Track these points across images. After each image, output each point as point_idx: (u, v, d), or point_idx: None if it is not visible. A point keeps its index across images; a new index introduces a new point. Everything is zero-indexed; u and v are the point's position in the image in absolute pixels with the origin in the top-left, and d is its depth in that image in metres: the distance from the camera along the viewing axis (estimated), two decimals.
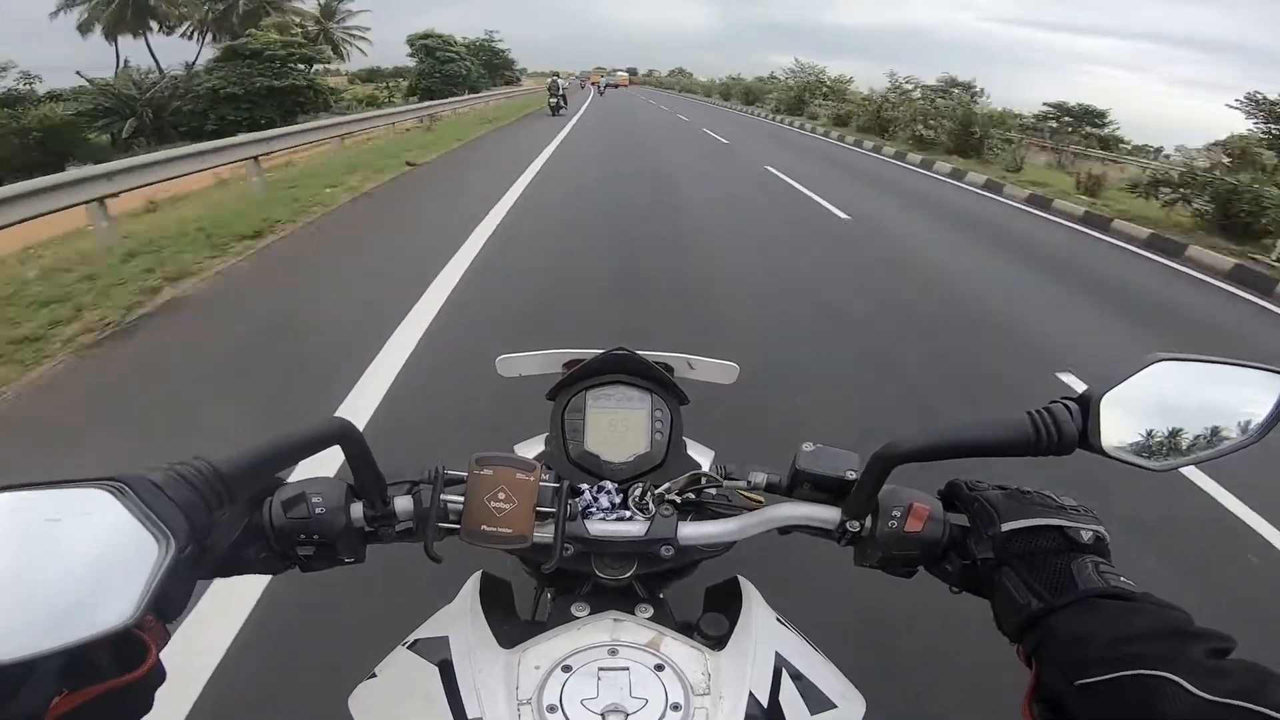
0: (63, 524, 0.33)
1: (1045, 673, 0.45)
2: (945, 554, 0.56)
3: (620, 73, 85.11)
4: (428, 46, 34.40)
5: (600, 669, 0.49)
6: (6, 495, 0.33)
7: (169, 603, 0.43)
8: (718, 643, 0.55)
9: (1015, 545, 0.50)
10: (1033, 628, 0.46)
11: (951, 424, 0.51)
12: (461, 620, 0.57)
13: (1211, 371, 0.49)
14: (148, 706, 0.42)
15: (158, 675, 0.42)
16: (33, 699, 0.35)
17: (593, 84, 41.47)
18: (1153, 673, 0.38)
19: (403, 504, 0.56)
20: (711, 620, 0.57)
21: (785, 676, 0.51)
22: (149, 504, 0.35)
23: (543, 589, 0.80)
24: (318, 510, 0.52)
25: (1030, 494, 0.54)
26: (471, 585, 0.63)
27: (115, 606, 0.33)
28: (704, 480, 0.61)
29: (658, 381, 0.70)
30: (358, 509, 0.54)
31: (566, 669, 0.49)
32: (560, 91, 21.49)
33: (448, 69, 33.96)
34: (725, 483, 0.61)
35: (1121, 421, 0.48)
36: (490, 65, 43.04)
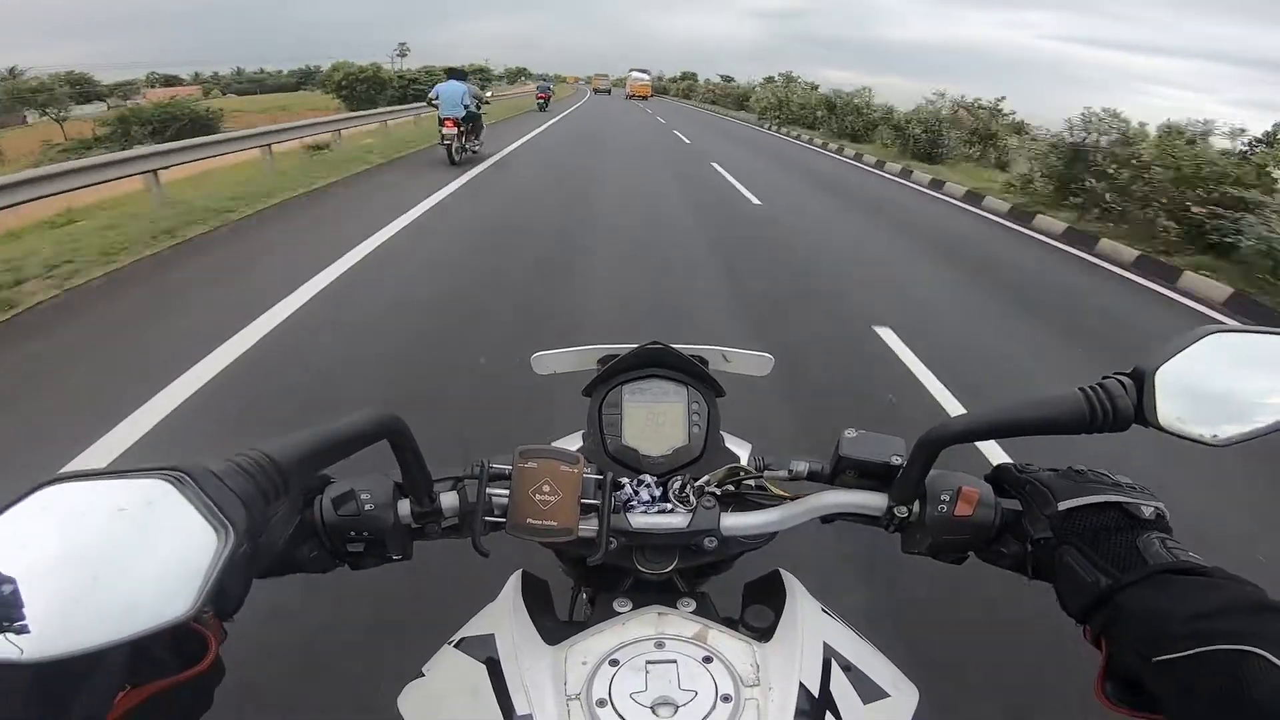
0: (128, 514, 0.33)
1: (1118, 651, 0.44)
2: (999, 538, 0.55)
3: (638, 75, 52.81)
4: None
5: (648, 662, 0.49)
6: (75, 485, 0.33)
7: (227, 600, 0.44)
8: (764, 634, 0.54)
9: (1075, 524, 0.50)
10: (1101, 606, 0.45)
11: (1000, 404, 0.50)
12: (506, 618, 0.57)
13: (1267, 343, 0.48)
14: (208, 703, 0.43)
15: (218, 671, 0.42)
16: (98, 693, 0.35)
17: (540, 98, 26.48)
18: (1237, 647, 0.37)
19: (448, 500, 0.56)
20: (756, 612, 0.57)
21: (835, 667, 0.50)
22: (210, 494, 0.35)
23: (580, 589, 0.80)
24: (367, 507, 0.53)
25: (1085, 472, 0.53)
26: (513, 583, 0.63)
27: (175, 598, 0.33)
28: (743, 472, 0.61)
29: (693, 374, 0.70)
30: (405, 506, 0.55)
31: (614, 663, 0.49)
32: None
33: None
34: (765, 473, 0.61)
35: (1177, 396, 0.47)
36: None
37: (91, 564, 0.32)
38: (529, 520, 0.53)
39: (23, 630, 0.30)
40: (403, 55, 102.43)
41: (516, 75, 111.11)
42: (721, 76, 70.67)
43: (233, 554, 0.35)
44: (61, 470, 0.34)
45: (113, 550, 0.33)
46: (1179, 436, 0.47)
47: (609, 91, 54.47)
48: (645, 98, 49.52)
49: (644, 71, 56.24)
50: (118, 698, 0.37)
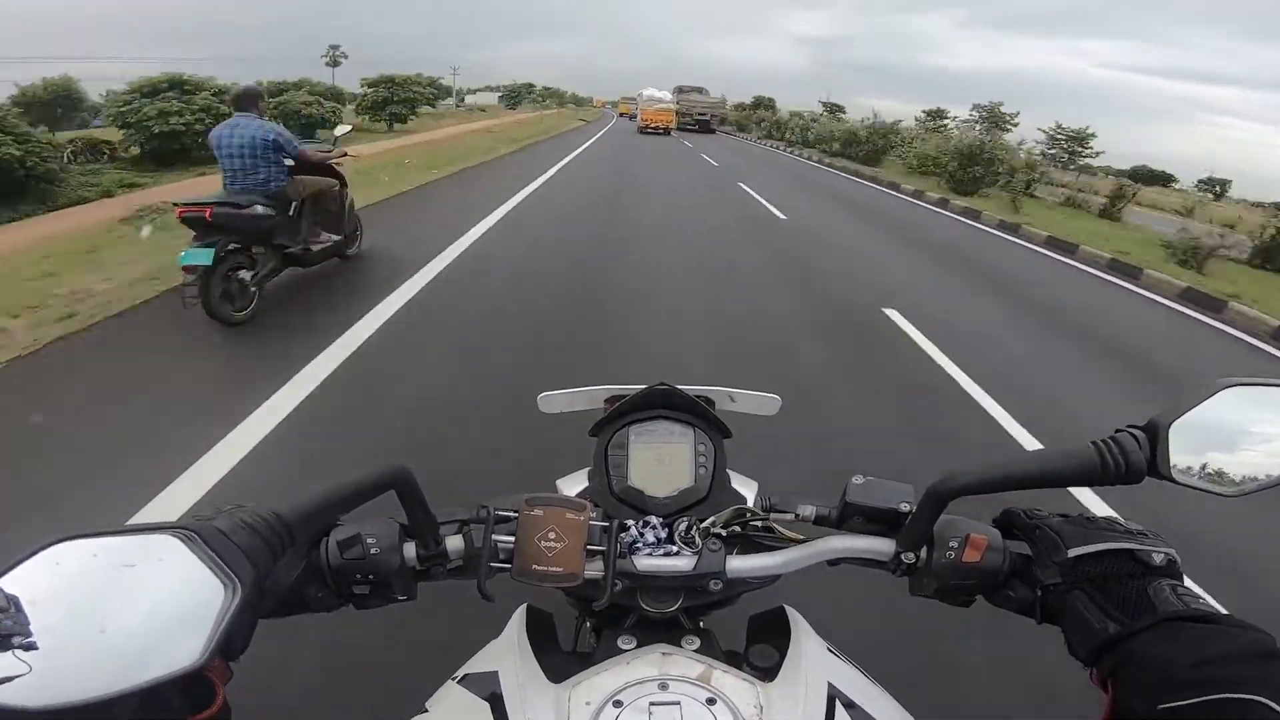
0: (137, 569, 0.35)
1: (1124, 697, 0.44)
2: (1007, 582, 0.55)
3: (653, 95, 32.85)
4: None
5: (651, 704, 0.48)
6: (85, 542, 0.35)
7: (233, 643, 0.44)
8: (768, 674, 0.54)
9: (1085, 570, 0.50)
10: (1109, 652, 0.45)
11: (1011, 457, 0.51)
12: (510, 655, 0.57)
13: None
14: None
15: (225, 714, 0.43)
16: None
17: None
18: (1242, 695, 0.36)
19: (454, 543, 0.57)
20: (760, 651, 0.57)
21: (839, 706, 0.50)
22: (216, 551, 0.37)
23: (584, 622, 0.79)
24: (373, 551, 0.54)
25: (1094, 519, 0.53)
26: (517, 619, 0.63)
27: (185, 649, 0.34)
28: (749, 513, 0.61)
29: (700, 415, 0.70)
30: (410, 549, 0.55)
31: (618, 704, 0.49)
32: None
33: None
34: (771, 515, 0.61)
35: (1191, 448, 0.47)
36: None
37: (100, 616, 0.33)
38: (535, 566, 0.53)
39: (30, 647, 0.31)
40: (335, 64, 74.55)
41: (517, 95, 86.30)
42: (825, 105, 42.18)
43: (240, 606, 0.36)
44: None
45: (121, 603, 0.34)
46: (1193, 488, 0.47)
47: (632, 116, 38.04)
48: (668, 129, 30.73)
49: (662, 94, 33.04)
50: None
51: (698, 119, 34.71)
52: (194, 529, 0.37)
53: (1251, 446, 0.47)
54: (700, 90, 37.66)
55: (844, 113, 36.33)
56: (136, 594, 0.35)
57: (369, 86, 29.01)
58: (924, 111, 26.45)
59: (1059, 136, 17.31)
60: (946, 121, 23.71)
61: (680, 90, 36.43)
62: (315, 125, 21.27)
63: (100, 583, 0.34)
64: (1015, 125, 23.06)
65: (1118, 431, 0.49)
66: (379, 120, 27.76)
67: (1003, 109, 23.02)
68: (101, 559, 0.35)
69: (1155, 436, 0.47)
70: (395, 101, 28.18)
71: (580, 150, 18.22)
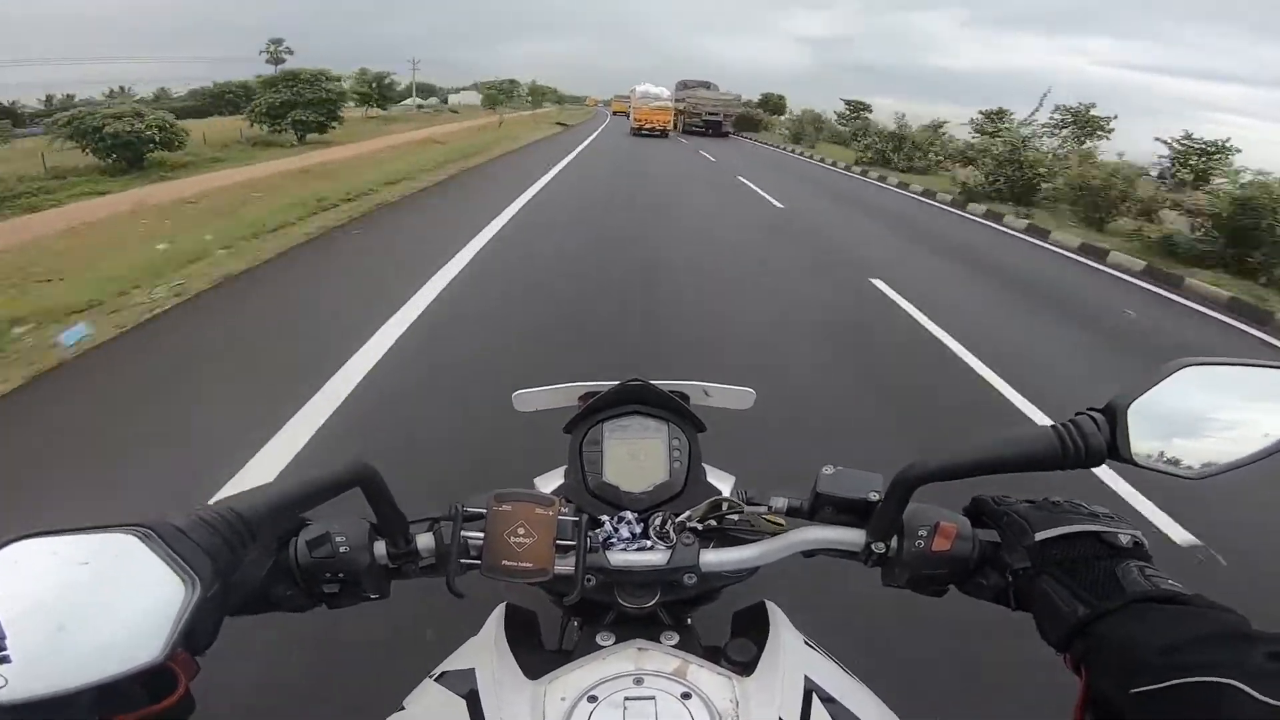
0: (96, 567, 0.35)
1: (1097, 681, 0.43)
2: (978, 570, 0.55)
3: (648, 91, 27.36)
4: None
5: (626, 699, 0.49)
6: (41, 540, 0.35)
7: (198, 638, 0.44)
8: (745, 668, 0.54)
9: (1052, 553, 0.50)
10: (1080, 635, 0.45)
11: (974, 443, 0.51)
12: (487, 652, 0.57)
13: (1241, 374, 0.48)
14: None
15: (188, 705, 0.43)
16: None
17: None
18: (1214, 679, 0.36)
19: (424, 541, 0.57)
20: (738, 646, 0.57)
21: (816, 700, 0.50)
22: (174, 548, 0.37)
23: (569, 618, 0.79)
24: (342, 549, 0.53)
25: (1060, 503, 0.53)
26: (496, 617, 0.63)
27: (145, 644, 0.34)
28: (725, 506, 0.61)
29: (674, 411, 0.70)
30: (381, 547, 0.55)
31: (592, 699, 0.49)
32: None
33: None
34: (746, 508, 0.61)
35: (1151, 429, 0.47)
36: None
37: (57, 614, 0.34)
38: (504, 562, 0.53)
39: (4, 660, 0.31)
40: (277, 60, 64.86)
41: (501, 94, 71.62)
42: (847, 103, 30.53)
43: (200, 602, 0.37)
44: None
45: (78, 601, 0.34)
46: (1154, 471, 0.47)
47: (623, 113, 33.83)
48: (665, 131, 26.49)
49: (659, 90, 28.16)
50: None
51: (707, 119, 29.29)
52: (151, 526, 0.37)
53: (1212, 428, 0.47)
54: (707, 85, 32.07)
55: (869, 112, 28.21)
56: (96, 592, 0.35)
57: (264, 87, 21.43)
58: (980, 113, 20.13)
59: (1187, 148, 13.20)
60: (1008, 124, 17.11)
61: (684, 86, 31.27)
62: (137, 151, 15.34)
63: (59, 581, 0.35)
64: (1110, 133, 16.97)
65: (1077, 414, 0.49)
66: (280, 130, 21.15)
67: (1094, 112, 16.90)
68: (60, 557, 0.35)
69: (1114, 418, 0.47)
70: (302, 104, 20.63)
71: (603, 126, 12.41)
